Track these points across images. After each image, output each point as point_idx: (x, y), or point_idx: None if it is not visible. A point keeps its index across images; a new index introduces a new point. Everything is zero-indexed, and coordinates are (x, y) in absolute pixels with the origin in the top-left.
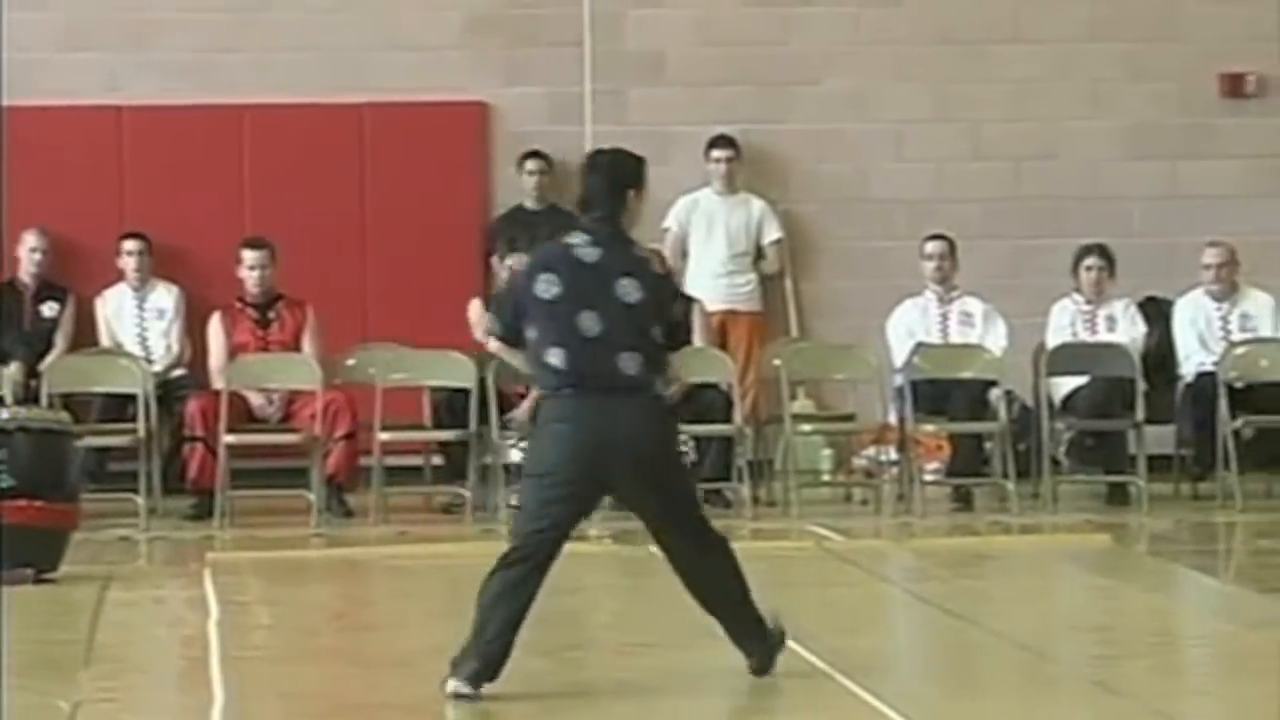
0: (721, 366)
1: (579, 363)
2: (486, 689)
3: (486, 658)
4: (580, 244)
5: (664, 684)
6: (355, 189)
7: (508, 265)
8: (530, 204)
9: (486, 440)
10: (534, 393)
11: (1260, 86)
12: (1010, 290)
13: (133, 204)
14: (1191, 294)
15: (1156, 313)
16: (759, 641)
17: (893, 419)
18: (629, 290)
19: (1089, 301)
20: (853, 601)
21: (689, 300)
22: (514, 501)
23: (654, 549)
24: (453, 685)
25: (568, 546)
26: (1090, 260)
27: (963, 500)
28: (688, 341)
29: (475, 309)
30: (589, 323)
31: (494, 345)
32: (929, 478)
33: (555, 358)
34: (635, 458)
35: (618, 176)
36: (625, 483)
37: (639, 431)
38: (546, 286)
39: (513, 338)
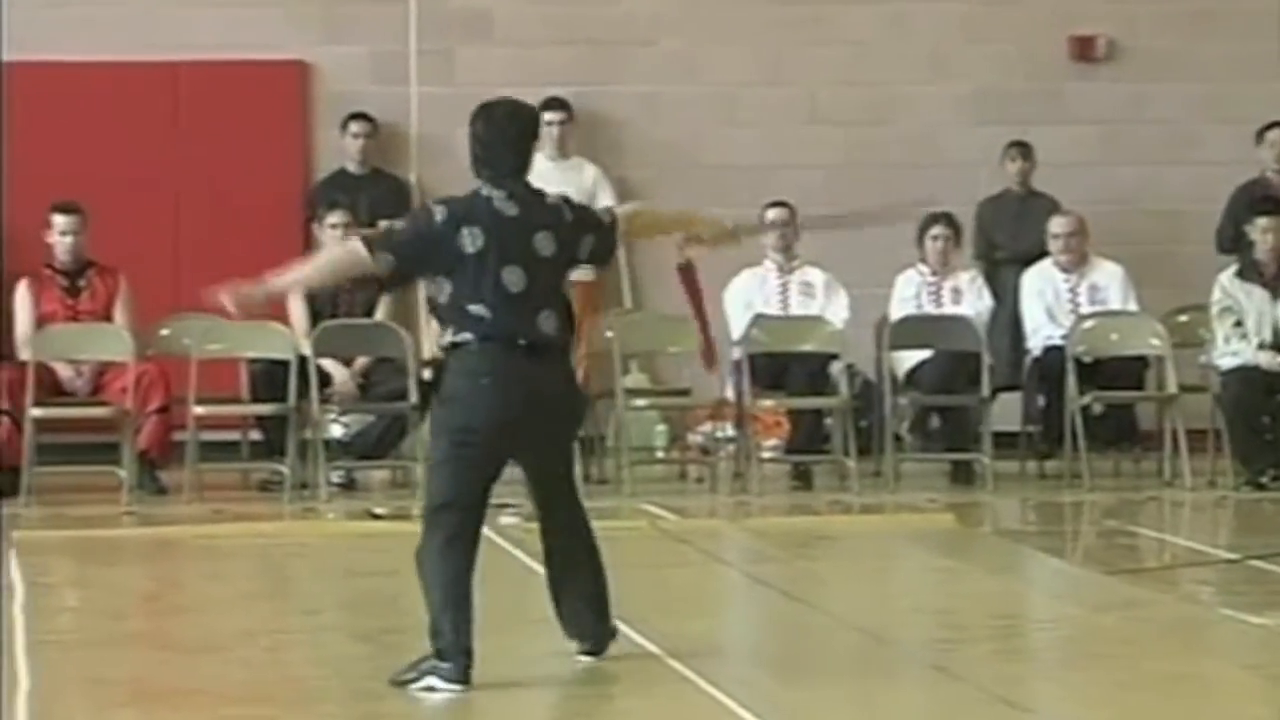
0: None
1: (502, 319)
2: (310, 673)
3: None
4: (498, 198)
5: (488, 670)
6: (169, 152)
7: (330, 225)
8: (353, 168)
9: (306, 414)
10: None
11: (1110, 50)
12: (852, 260)
13: None
14: (1039, 265)
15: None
16: (597, 626)
17: (730, 394)
18: (545, 244)
19: (934, 272)
20: (687, 583)
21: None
22: (335, 479)
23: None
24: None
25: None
26: (936, 230)
27: (802, 479)
28: (612, 249)
29: None
30: (513, 278)
31: (354, 251)
32: (767, 455)
33: (480, 310)
34: (553, 418)
35: (523, 129)
36: (536, 441)
37: (559, 392)
38: (471, 240)
39: (398, 280)
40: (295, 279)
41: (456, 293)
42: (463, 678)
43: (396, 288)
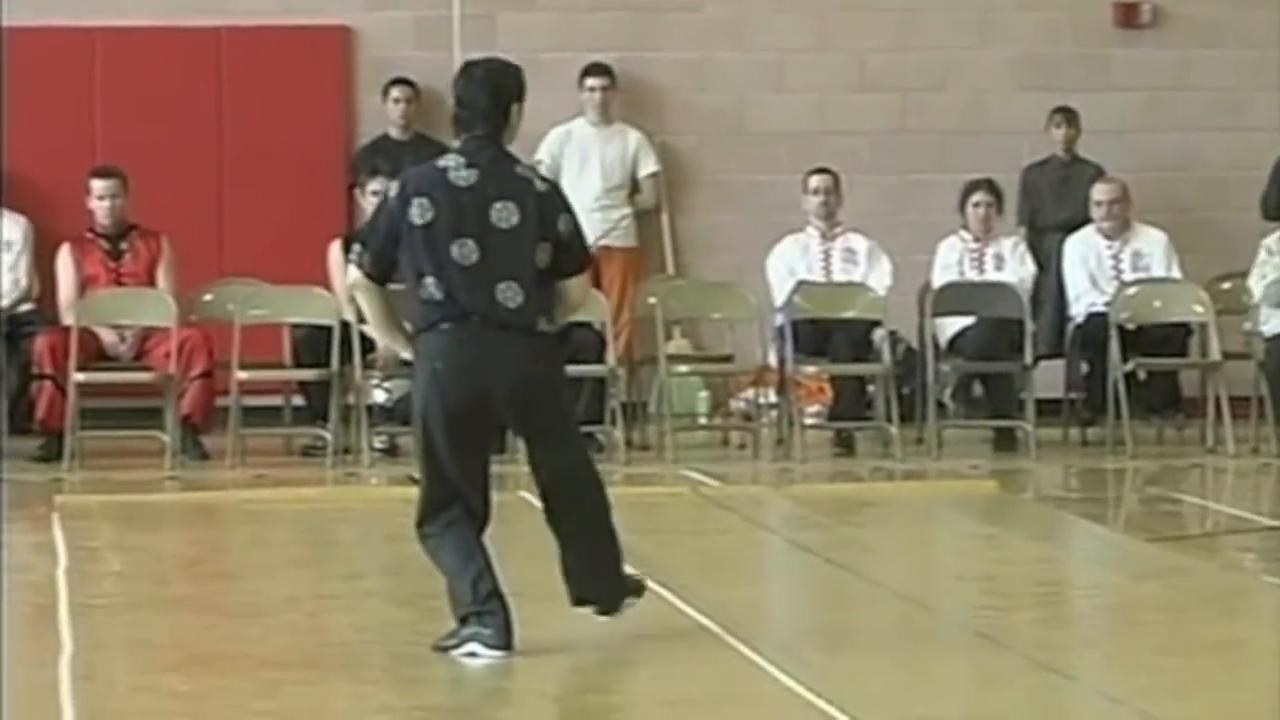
0: (595, 304)
1: (455, 293)
2: (352, 638)
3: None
4: (454, 166)
5: (529, 636)
6: (213, 117)
7: (371, 191)
8: (396, 133)
9: (349, 380)
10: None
11: (1155, 16)
12: (895, 227)
13: None
14: (1082, 231)
15: None
16: (607, 586)
17: (772, 360)
18: (506, 214)
19: (976, 239)
20: (729, 550)
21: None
22: (378, 445)
23: (521, 493)
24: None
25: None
26: (978, 196)
27: (844, 445)
28: (587, 262)
29: (335, 253)
30: (465, 251)
31: (352, 278)
32: (809, 421)
33: (431, 288)
34: (513, 396)
35: (499, 89)
36: (506, 417)
37: (519, 370)
38: (420, 212)
39: (378, 273)
40: (392, 339)
41: (410, 267)
42: (504, 643)
43: (386, 277)
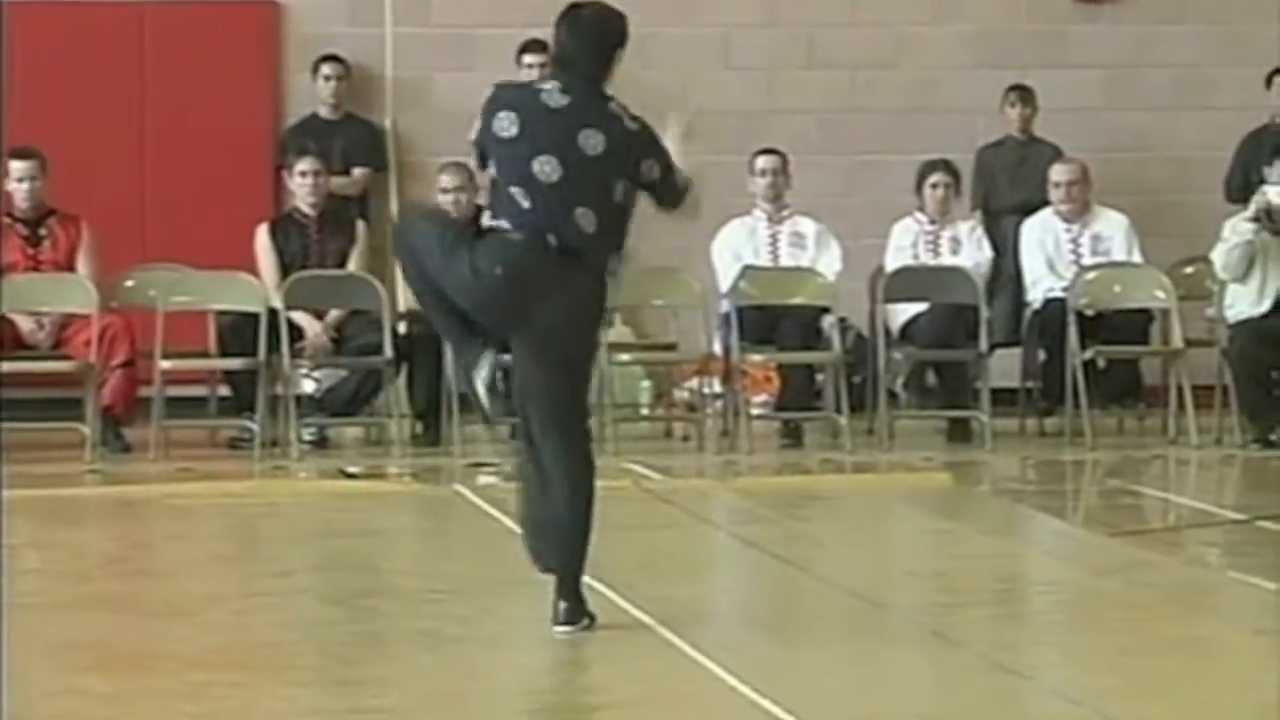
0: None
1: (537, 206)
2: (281, 637)
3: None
4: (549, 90)
5: (466, 634)
6: (135, 95)
7: (299, 172)
8: (325, 113)
9: (276, 369)
10: None
11: None
12: (845, 209)
13: None
14: (1039, 214)
15: None
16: (573, 582)
17: (717, 348)
18: (592, 142)
19: (933, 221)
20: (673, 546)
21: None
22: (307, 436)
23: (457, 488)
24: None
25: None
26: (936, 177)
27: (792, 436)
28: (680, 197)
29: (262, 236)
30: (547, 168)
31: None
32: (756, 412)
33: (519, 197)
34: (548, 305)
35: (604, 35)
36: (530, 327)
37: (563, 283)
38: (506, 125)
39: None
40: None
41: (498, 176)
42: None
43: None
